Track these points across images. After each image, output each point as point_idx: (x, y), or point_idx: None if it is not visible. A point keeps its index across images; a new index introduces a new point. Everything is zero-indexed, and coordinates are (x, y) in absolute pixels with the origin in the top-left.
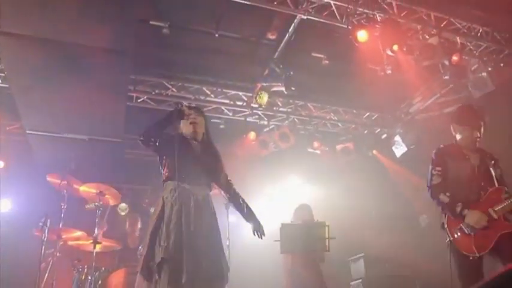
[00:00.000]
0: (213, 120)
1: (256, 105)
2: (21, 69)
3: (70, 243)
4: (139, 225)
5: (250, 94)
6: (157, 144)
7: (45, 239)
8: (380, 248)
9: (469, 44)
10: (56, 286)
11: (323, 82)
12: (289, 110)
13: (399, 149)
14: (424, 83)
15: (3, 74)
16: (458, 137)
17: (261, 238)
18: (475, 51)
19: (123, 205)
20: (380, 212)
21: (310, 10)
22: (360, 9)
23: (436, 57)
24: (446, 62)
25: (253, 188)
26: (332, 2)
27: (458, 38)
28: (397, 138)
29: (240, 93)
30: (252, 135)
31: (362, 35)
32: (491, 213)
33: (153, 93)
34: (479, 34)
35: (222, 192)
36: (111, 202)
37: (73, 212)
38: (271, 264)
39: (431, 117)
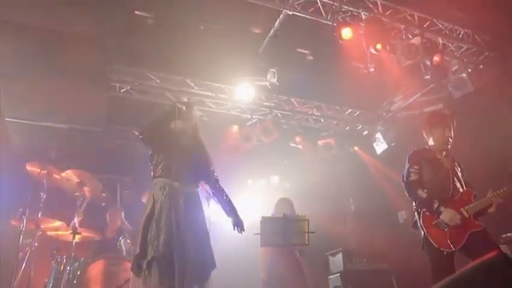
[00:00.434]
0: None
1: (240, 99)
2: None
3: (49, 233)
4: (119, 216)
5: (234, 87)
6: (154, 141)
7: (23, 228)
8: (358, 242)
9: (450, 45)
10: (34, 276)
11: (307, 78)
12: (272, 104)
13: (380, 145)
14: (405, 81)
15: None
16: (430, 141)
17: (241, 233)
18: (456, 53)
19: (103, 195)
20: (359, 208)
21: (296, 6)
22: (345, 7)
23: (418, 57)
24: (428, 62)
25: (235, 181)
26: None
27: (440, 38)
28: (378, 135)
29: (224, 86)
30: (234, 128)
31: (346, 33)
32: (463, 212)
33: (136, 83)
34: (460, 36)
35: (207, 186)
36: (92, 192)
37: (53, 202)
38: (251, 257)
39: (412, 116)
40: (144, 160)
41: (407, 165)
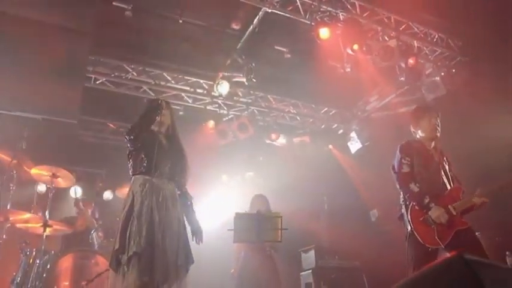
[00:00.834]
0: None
1: (217, 94)
2: None
3: (18, 225)
4: (91, 209)
5: (212, 83)
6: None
7: None
8: (331, 240)
9: (425, 48)
10: (2, 269)
11: (284, 75)
12: (249, 100)
13: (354, 145)
14: (381, 82)
15: None
16: (419, 133)
17: (198, 244)
18: (430, 56)
19: (76, 188)
20: (332, 205)
21: (275, 4)
22: (324, 6)
23: (394, 59)
24: (403, 64)
25: (209, 176)
26: None
27: (415, 42)
28: (353, 134)
29: (201, 81)
30: (211, 123)
31: (324, 33)
32: (450, 210)
33: (112, 75)
34: (435, 40)
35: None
36: (64, 184)
37: (23, 194)
38: (225, 253)
39: (387, 116)
40: (119, 154)
41: (398, 156)
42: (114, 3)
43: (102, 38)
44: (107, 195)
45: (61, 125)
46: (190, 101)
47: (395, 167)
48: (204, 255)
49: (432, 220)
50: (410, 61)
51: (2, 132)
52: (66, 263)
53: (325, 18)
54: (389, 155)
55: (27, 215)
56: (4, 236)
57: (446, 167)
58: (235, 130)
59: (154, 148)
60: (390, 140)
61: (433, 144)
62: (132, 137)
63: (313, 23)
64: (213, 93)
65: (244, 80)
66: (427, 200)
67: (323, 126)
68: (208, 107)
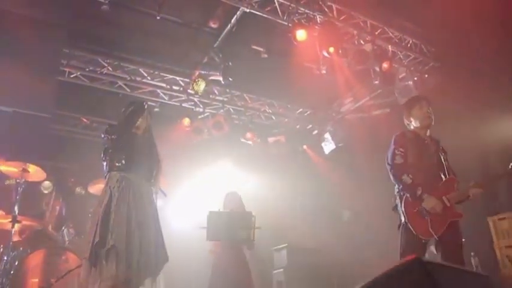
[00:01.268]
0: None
1: (193, 92)
2: None
3: None
4: (61, 205)
5: (188, 80)
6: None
7: None
8: (303, 239)
9: (399, 53)
10: None
11: (260, 75)
12: (225, 99)
13: (328, 145)
14: (355, 85)
15: None
16: (413, 123)
17: None
18: (403, 61)
19: (46, 183)
20: (305, 205)
21: (254, 4)
22: (302, 8)
23: (368, 62)
24: (377, 68)
25: (183, 173)
26: None
27: (390, 46)
28: (327, 135)
29: (178, 78)
30: (186, 121)
31: (301, 34)
32: (444, 201)
33: (87, 69)
34: (409, 45)
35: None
36: (35, 179)
37: None
38: (198, 251)
39: (361, 118)
40: (92, 149)
41: (392, 147)
42: None
43: (77, 31)
44: (79, 190)
45: (33, 118)
46: (166, 97)
47: (389, 158)
48: (177, 252)
49: (426, 211)
50: (385, 65)
51: None
52: (36, 259)
53: (303, 20)
54: (362, 157)
55: None
56: None
57: (442, 157)
58: (211, 128)
59: (133, 148)
60: (363, 142)
61: (428, 132)
62: (113, 137)
63: (290, 24)
64: (189, 91)
65: (220, 78)
66: (419, 192)
67: (298, 127)
68: (184, 105)
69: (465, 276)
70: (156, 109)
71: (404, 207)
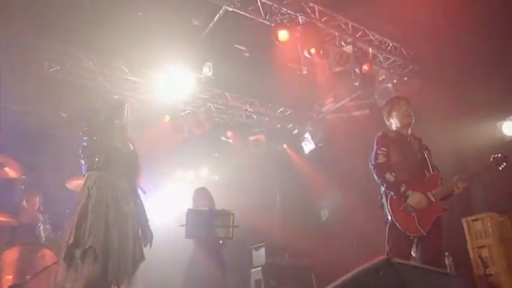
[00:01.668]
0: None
1: (174, 89)
2: None
3: None
4: (37, 201)
5: (169, 77)
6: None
7: None
8: (281, 238)
9: (379, 55)
10: None
11: (242, 74)
12: (206, 97)
13: (308, 145)
14: (336, 86)
15: None
16: (394, 123)
17: (145, 246)
18: (383, 63)
19: (22, 179)
20: (285, 204)
21: (236, 3)
22: (284, 9)
23: (349, 64)
24: (358, 70)
25: (163, 171)
26: None
27: (370, 49)
28: (307, 135)
29: (158, 75)
30: (166, 118)
31: (283, 35)
32: (430, 197)
33: (67, 64)
34: (389, 48)
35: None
36: (11, 175)
37: None
38: (176, 248)
39: (341, 119)
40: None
41: (375, 147)
42: None
43: (58, 24)
44: (56, 187)
45: (10, 112)
46: (147, 94)
47: (372, 158)
48: (155, 249)
49: (412, 208)
50: (365, 67)
51: None
52: (11, 256)
53: (285, 21)
54: (341, 157)
55: None
56: None
57: (426, 154)
58: (191, 126)
59: (111, 147)
60: (343, 142)
61: (409, 131)
62: (91, 135)
63: (272, 24)
64: (170, 88)
65: (201, 76)
66: (403, 189)
67: (278, 126)
68: (165, 102)
69: (433, 276)
70: (136, 105)
71: (390, 206)
